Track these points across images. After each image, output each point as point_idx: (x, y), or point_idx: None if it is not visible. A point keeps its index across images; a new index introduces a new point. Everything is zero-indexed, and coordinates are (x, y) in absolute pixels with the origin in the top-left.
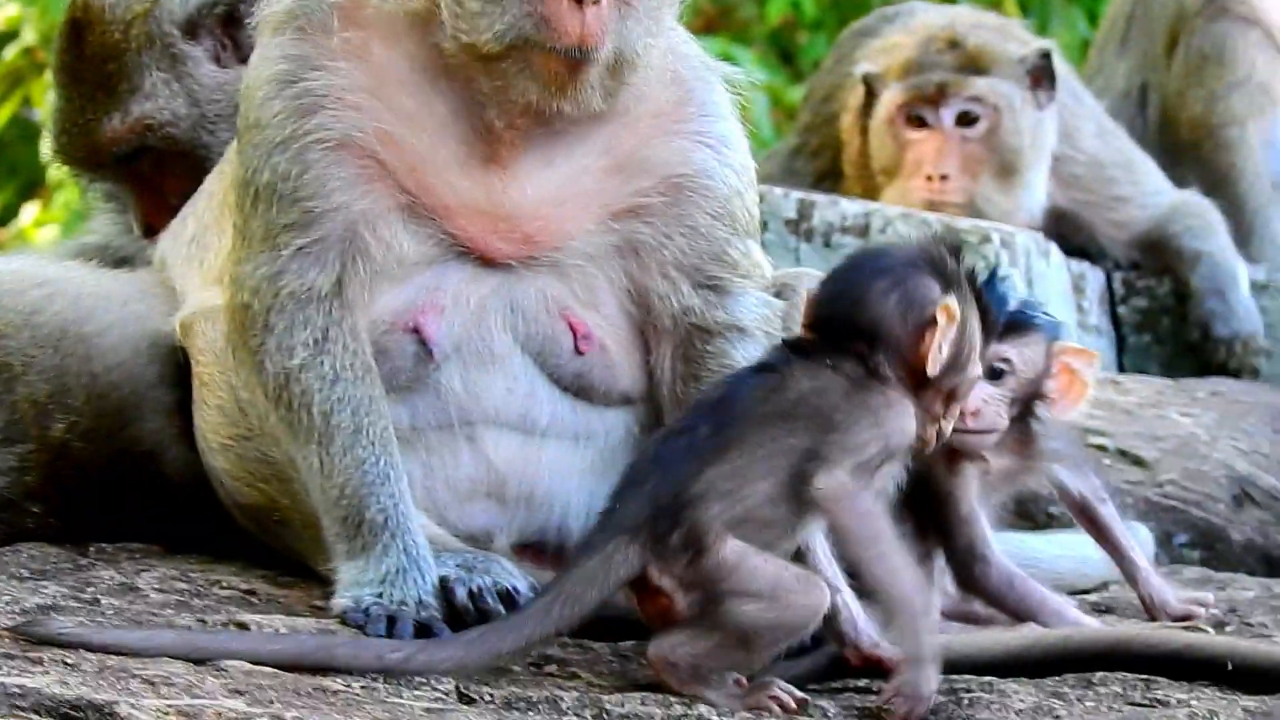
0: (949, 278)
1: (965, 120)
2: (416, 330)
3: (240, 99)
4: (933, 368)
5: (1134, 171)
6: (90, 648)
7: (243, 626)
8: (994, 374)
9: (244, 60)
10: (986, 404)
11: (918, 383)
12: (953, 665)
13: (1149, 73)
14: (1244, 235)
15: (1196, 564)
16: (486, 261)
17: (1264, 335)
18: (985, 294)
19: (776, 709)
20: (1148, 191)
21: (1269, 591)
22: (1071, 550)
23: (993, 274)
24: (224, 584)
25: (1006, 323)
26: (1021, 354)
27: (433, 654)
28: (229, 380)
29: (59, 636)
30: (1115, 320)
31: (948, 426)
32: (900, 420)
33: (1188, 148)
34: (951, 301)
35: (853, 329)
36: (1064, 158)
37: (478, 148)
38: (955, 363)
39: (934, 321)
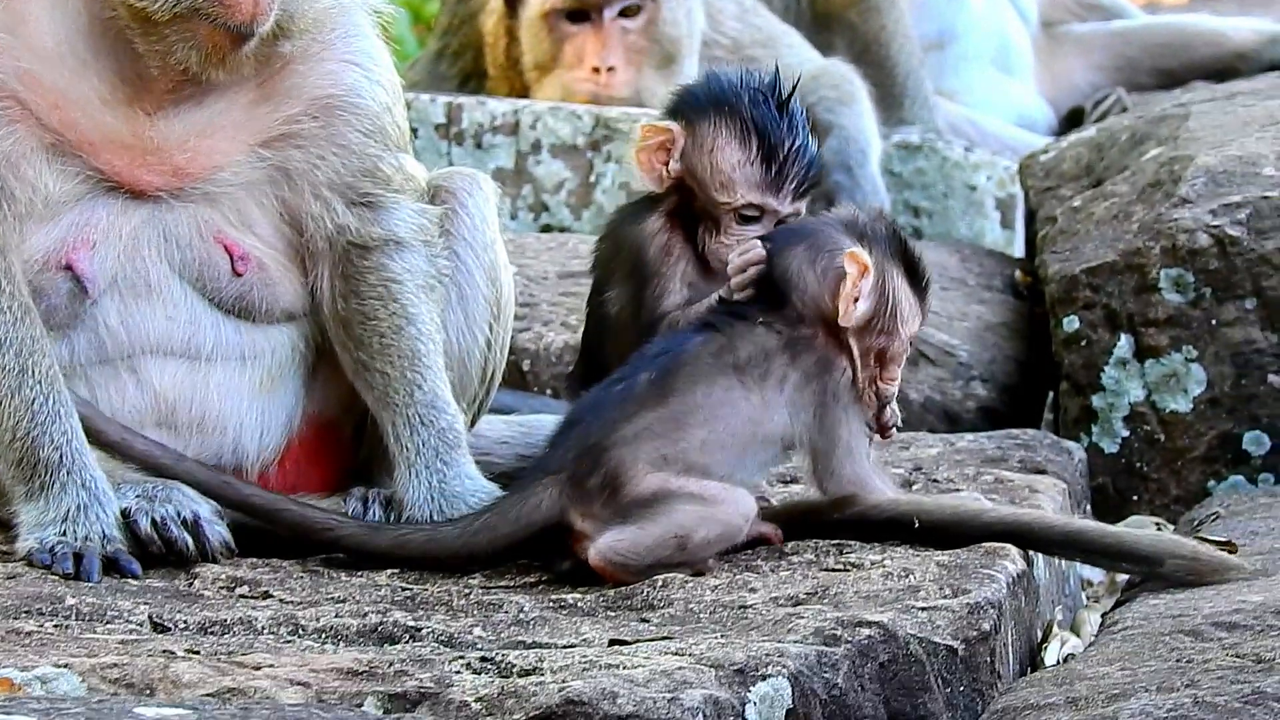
0: (863, 234)
1: (626, 12)
2: (70, 267)
3: None
4: (844, 318)
5: (775, 46)
6: None
7: None
8: None
9: None
10: None
11: (840, 338)
12: None
13: None
14: (896, 99)
15: None
16: (136, 194)
17: (923, 195)
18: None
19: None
20: (789, 65)
21: (951, 446)
22: None
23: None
24: None
25: None
26: None
27: (372, 537)
28: None
29: None
30: None
31: (886, 389)
32: (837, 373)
33: (838, 14)
34: (860, 251)
35: (777, 286)
36: (709, 41)
37: (123, 88)
38: (878, 322)
39: (844, 269)
